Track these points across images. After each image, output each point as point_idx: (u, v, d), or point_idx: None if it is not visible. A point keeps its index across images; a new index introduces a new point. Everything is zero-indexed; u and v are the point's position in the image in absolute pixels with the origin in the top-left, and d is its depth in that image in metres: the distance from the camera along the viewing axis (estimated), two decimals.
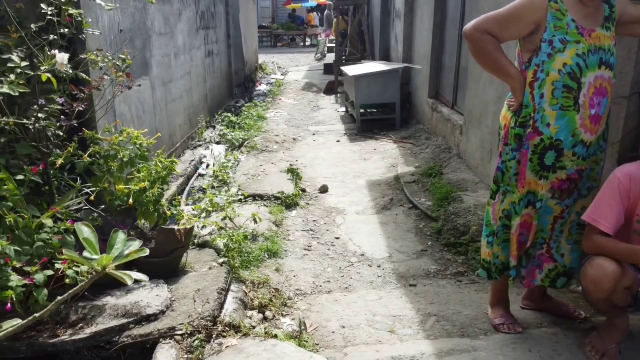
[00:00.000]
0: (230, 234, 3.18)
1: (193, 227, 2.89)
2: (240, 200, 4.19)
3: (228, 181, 5.09)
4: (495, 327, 2.36)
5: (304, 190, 4.63)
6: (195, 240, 3.25)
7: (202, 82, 7.42)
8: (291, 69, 14.75)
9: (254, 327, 2.23)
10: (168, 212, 2.80)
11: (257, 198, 4.29)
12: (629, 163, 2.00)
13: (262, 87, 11.51)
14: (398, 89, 6.66)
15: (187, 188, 5.37)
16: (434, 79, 6.07)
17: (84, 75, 3.11)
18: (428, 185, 4.45)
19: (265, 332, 2.23)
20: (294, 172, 4.76)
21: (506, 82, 2.15)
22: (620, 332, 2.05)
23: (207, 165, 6.05)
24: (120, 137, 2.94)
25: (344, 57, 10.63)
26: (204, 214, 3.83)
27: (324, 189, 4.70)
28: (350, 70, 7.17)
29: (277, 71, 14.14)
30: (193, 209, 4.06)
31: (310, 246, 3.57)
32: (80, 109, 2.87)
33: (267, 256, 3.25)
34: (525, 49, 2.08)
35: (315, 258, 3.39)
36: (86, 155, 2.74)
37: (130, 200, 2.59)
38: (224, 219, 3.50)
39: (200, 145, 6.65)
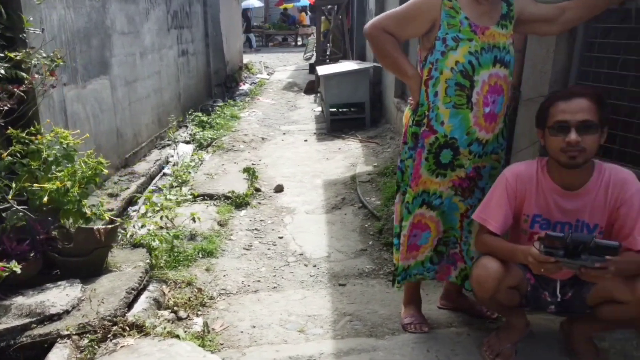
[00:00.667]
0: (160, 235, 3.17)
1: (116, 227, 2.88)
2: (189, 200, 4.18)
3: (187, 180, 5.09)
4: (404, 327, 2.34)
5: (258, 190, 4.63)
6: (131, 240, 3.24)
7: (175, 82, 7.42)
8: (278, 68, 14.75)
9: (155, 327, 2.22)
10: (89, 213, 2.78)
11: (207, 198, 4.28)
12: (519, 163, 1.98)
13: (245, 87, 11.50)
14: (368, 89, 6.64)
15: (149, 188, 5.37)
16: (400, 79, 6.05)
17: (24, 75, 3.13)
18: (381, 185, 4.43)
19: (168, 332, 2.22)
20: (250, 172, 4.75)
21: (404, 80, 2.13)
22: (517, 332, 2.03)
23: (174, 165, 6.06)
24: (48, 137, 2.94)
25: (327, 57, 10.62)
26: (150, 214, 3.82)
27: (279, 189, 4.69)
28: (322, 69, 7.16)
29: (263, 71, 14.13)
30: (145, 209, 4.05)
31: (251, 246, 3.56)
32: (7, 107, 2.88)
33: (201, 256, 3.24)
34: (423, 47, 2.07)
35: (253, 258, 3.38)
36: (6, 154, 2.73)
37: (45, 199, 2.58)
38: (162, 218, 3.49)
39: (169, 145, 6.64)
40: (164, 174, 5.83)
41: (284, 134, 6.91)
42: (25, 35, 3.40)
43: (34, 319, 2.22)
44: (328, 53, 10.85)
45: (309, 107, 8.74)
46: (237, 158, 5.74)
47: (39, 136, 2.90)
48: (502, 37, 2.01)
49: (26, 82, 3.07)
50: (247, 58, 15.98)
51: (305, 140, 6.46)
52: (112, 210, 4.26)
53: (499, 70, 2.01)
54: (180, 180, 5.02)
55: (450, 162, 2.07)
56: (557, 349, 2.07)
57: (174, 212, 3.57)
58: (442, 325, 2.38)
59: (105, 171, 3.04)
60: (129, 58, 5.63)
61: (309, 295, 2.85)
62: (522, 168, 1.89)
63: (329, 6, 10.56)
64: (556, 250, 1.56)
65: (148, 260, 2.91)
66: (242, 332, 2.41)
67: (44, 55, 3.21)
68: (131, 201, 4.94)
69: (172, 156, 6.26)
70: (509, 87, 2.07)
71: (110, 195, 4.84)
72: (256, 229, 3.84)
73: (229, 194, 4.28)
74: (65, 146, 2.91)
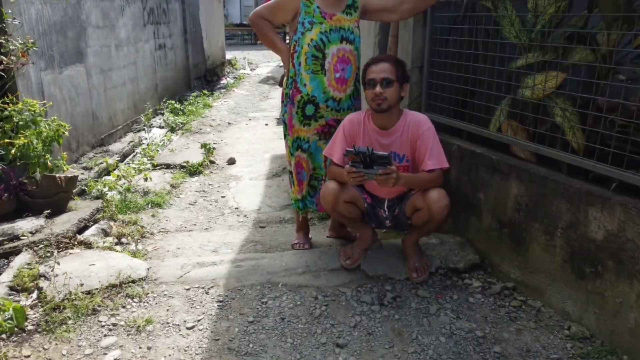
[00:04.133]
0: (115, 187, 3.86)
1: (75, 176, 3.56)
2: (149, 168, 4.87)
3: (153, 156, 5.78)
4: (292, 246, 3.05)
5: (213, 162, 5.32)
6: (92, 193, 3.93)
7: (152, 73, 8.10)
8: (262, 64, 15.46)
9: (98, 244, 2.92)
10: (49, 165, 3.47)
11: (165, 167, 4.97)
12: (354, 112, 2.70)
13: (226, 81, 12.20)
14: None
15: (129, 158, 6.06)
16: None
17: (2, 57, 3.82)
18: None
19: (108, 247, 2.91)
20: (206, 147, 5.44)
21: (278, 54, 2.84)
22: (365, 242, 2.73)
23: (146, 145, 6.74)
24: (19, 105, 3.62)
25: None
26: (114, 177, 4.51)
27: (231, 161, 5.38)
28: None
29: (246, 66, 14.83)
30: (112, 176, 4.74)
31: (195, 202, 4.25)
32: None
33: (150, 206, 3.94)
34: (291, 30, 2.77)
35: (195, 210, 4.07)
36: None
37: (13, 151, 3.27)
38: (120, 179, 4.19)
39: (144, 130, 7.34)
40: (137, 154, 6.53)
41: (250, 119, 7.61)
42: (4, 25, 4.09)
43: (6, 238, 2.91)
44: None
45: (279, 98, 9.44)
46: (201, 139, 6.42)
47: (11, 105, 3.59)
48: (347, 22, 2.71)
49: (4, 62, 3.76)
50: (233, 54, 16.69)
51: (266, 125, 7.16)
52: (85, 179, 4.97)
53: (345, 46, 2.72)
54: (147, 156, 5.71)
55: (313, 114, 2.78)
56: (395, 255, 2.77)
57: (132, 174, 4.26)
58: (322, 246, 3.08)
59: (66, 133, 3.71)
60: (104, 49, 6.32)
61: (232, 233, 3.55)
62: (355, 116, 2.59)
63: None
64: (358, 164, 2.25)
65: (101, 205, 3.60)
66: (168, 251, 3.11)
67: (20, 42, 3.91)
68: (103, 173, 5.66)
69: (146, 138, 6.96)
70: (355, 59, 2.78)
71: (85, 168, 5.53)
72: (203, 191, 4.54)
73: (184, 164, 4.97)
74: (32, 113, 3.60)
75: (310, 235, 3.19)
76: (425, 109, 3.22)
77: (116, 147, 6.40)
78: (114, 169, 4.38)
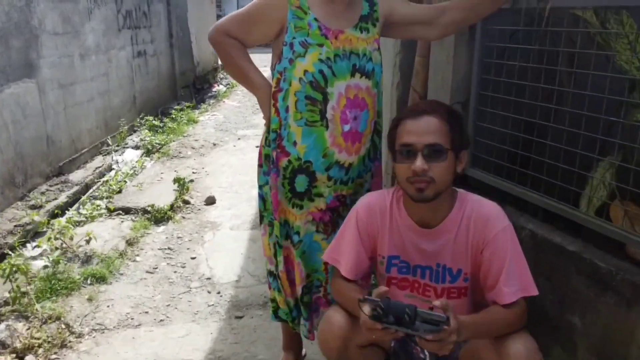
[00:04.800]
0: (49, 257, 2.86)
1: None
2: (104, 214, 3.87)
3: (121, 190, 4.78)
4: None
5: (187, 202, 4.31)
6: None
7: (128, 84, 7.10)
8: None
9: None
10: None
11: (124, 212, 3.96)
12: (373, 193, 1.67)
13: (219, 88, 11.19)
14: None
15: (84, 198, 5.06)
16: None
17: None
18: None
19: None
20: (180, 183, 4.43)
21: (253, 93, 1.82)
22: None
23: (116, 172, 5.74)
24: None
25: None
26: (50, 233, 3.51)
27: (210, 201, 4.37)
28: None
29: None
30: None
31: (156, 268, 3.24)
32: None
33: (89, 282, 2.93)
34: (274, 54, 1.76)
35: (153, 283, 3.06)
36: None
37: None
38: (55, 239, 3.18)
39: (116, 151, 6.34)
40: (104, 182, 5.53)
41: (239, 139, 6.60)
42: None
43: None
44: None
45: None
46: (179, 166, 5.42)
47: None
48: (362, 42, 1.69)
49: None
50: None
51: (257, 147, 6.12)
52: (29, 224, 3.97)
53: (359, 81, 1.70)
54: (110, 192, 4.71)
55: (307, 189, 1.75)
56: None
57: (71, 231, 3.25)
58: None
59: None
60: (65, 60, 5.31)
61: (195, 331, 2.54)
62: (376, 199, 1.57)
63: None
64: (386, 317, 1.24)
65: (24, 289, 2.59)
66: None
67: None
68: (58, 213, 4.66)
69: (117, 162, 5.95)
70: (374, 101, 1.76)
71: (33, 207, 4.53)
72: (169, 248, 3.53)
73: (149, 208, 3.96)
74: None
75: (304, 351, 2.18)
76: (469, 164, 2.21)
77: (78, 175, 5.39)
78: (47, 225, 3.37)
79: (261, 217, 1.92)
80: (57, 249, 3.18)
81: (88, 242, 3.17)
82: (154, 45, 8.21)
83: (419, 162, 1.35)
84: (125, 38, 6.99)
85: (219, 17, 21.00)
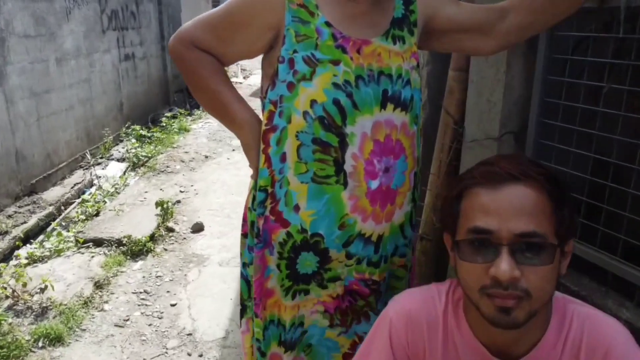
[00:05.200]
0: None
1: None
2: (71, 248, 3.33)
3: (99, 212, 4.25)
4: None
5: (171, 230, 3.77)
6: None
7: (114, 90, 6.56)
8: (256, 71, 13.89)
9: None
10: None
11: (95, 244, 3.42)
12: (414, 290, 1.11)
13: None
14: None
15: (59, 220, 4.52)
16: None
17: None
18: None
19: None
20: (163, 207, 3.89)
21: (233, 131, 1.27)
22: None
23: (97, 189, 5.20)
24: None
25: None
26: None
27: (198, 228, 3.83)
28: None
29: (239, 74, 13.27)
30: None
31: (127, 320, 2.70)
32: None
33: (40, 344, 2.39)
34: (265, 76, 1.20)
35: (121, 342, 2.52)
36: None
37: None
38: (6, 288, 2.64)
39: (99, 164, 5.80)
40: (82, 202, 4.98)
41: (233, 150, 6.05)
42: None
43: None
44: None
45: None
46: (166, 183, 4.88)
47: None
48: (396, 58, 1.14)
49: None
50: None
51: None
52: None
53: (393, 115, 1.14)
54: (87, 213, 4.18)
55: (315, 272, 1.20)
56: None
57: (25, 276, 2.71)
58: None
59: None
60: (38, 65, 4.77)
61: None
62: (418, 304, 1.01)
63: None
64: None
65: None
66: None
67: None
68: (28, 238, 4.13)
69: (99, 177, 5.41)
70: (413, 143, 1.20)
71: None
72: (145, 292, 2.98)
73: (125, 240, 3.41)
74: None
75: None
76: None
77: (53, 194, 4.85)
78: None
79: (243, 308, 1.34)
80: (7, 297, 2.64)
81: (43, 290, 2.63)
82: (144, 48, 7.66)
83: (505, 265, 0.80)
84: (110, 40, 6.45)
85: None
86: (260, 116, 1.20)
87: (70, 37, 5.38)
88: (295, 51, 1.09)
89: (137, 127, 6.30)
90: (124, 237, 3.41)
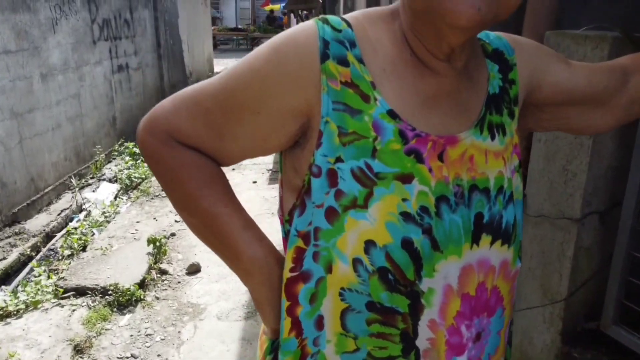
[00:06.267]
0: None
1: None
2: (50, 300, 2.93)
3: (86, 245, 3.87)
4: None
5: (164, 272, 3.37)
6: None
7: (106, 104, 6.17)
8: None
9: None
10: None
11: (77, 294, 3.02)
12: None
13: None
14: None
15: (41, 253, 4.13)
16: None
17: None
18: None
19: None
20: (155, 244, 3.49)
21: (238, 276, 0.83)
22: None
23: (88, 214, 4.82)
24: None
25: None
26: None
27: (194, 269, 3.44)
28: None
29: None
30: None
31: None
32: None
33: None
34: (287, 183, 0.78)
35: None
36: None
37: None
38: None
39: (89, 185, 5.41)
40: (69, 233, 4.59)
41: (233, 169, 5.64)
42: None
43: None
44: None
45: None
46: (160, 210, 4.48)
47: None
48: (495, 161, 0.72)
49: None
50: (225, 64, 14.75)
51: (254, 182, 5.19)
52: None
53: (490, 252, 0.72)
54: (73, 249, 3.79)
55: None
56: None
57: None
58: None
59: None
60: (20, 83, 4.38)
61: None
62: None
63: (304, 12, 9.33)
64: None
65: None
66: None
67: None
68: (8, 276, 3.75)
69: (89, 201, 5.02)
70: (513, 286, 0.78)
71: None
72: (133, 356, 2.59)
73: (111, 288, 3.01)
74: None
75: None
76: (611, 321, 1.27)
77: (38, 222, 4.47)
78: None
79: None
80: None
81: None
82: (139, 57, 7.27)
83: None
84: (102, 51, 6.05)
85: (215, 20, 19.95)
86: (280, 252, 0.80)
87: (56, 50, 4.99)
88: (339, 159, 0.67)
89: (131, 145, 5.90)
90: (111, 285, 3.01)
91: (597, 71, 0.85)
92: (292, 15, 21.99)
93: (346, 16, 0.73)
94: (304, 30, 0.70)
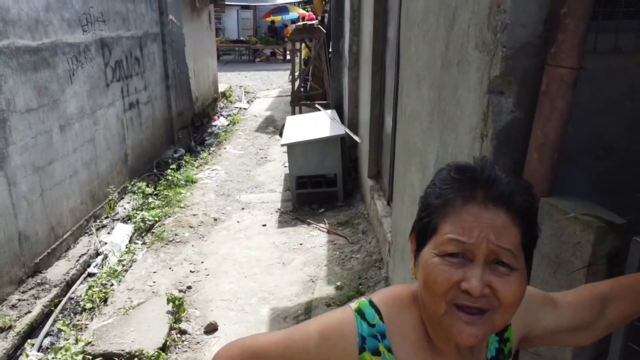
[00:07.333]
0: None
1: None
2: None
3: (107, 297, 4.08)
4: None
5: (183, 333, 3.58)
6: None
7: (119, 143, 6.37)
8: (260, 93, 13.70)
9: None
10: None
11: (105, 359, 3.23)
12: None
13: (220, 122, 10.46)
14: (339, 159, 5.59)
15: (63, 303, 4.34)
16: (374, 155, 5.00)
17: None
18: None
19: None
20: (175, 303, 3.70)
21: None
22: None
23: (105, 258, 5.02)
24: None
25: (306, 92, 9.57)
26: None
27: (211, 329, 3.64)
28: (287, 131, 6.11)
29: (243, 98, 13.08)
30: None
31: None
32: None
33: None
34: None
35: None
36: None
37: None
38: None
39: (105, 226, 5.61)
40: (89, 275, 4.80)
41: (243, 209, 5.86)
42: None
43: None
44: (308, 89, 9.81)
45: (280, 159, 7.68)
46: (175, 258, 4.69)
47: None
48: None
49: None
50: (228, 78, 14.93)
51: (264, 225, 5.39)
52: None
53: None
54: (92, 304, 4.00)
55: None
56: None
57: None
58: None
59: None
60: (41, 138, 4.58)
61: None
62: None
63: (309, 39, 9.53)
64: None
65: None
66: None
67: None
68: (33, 330, 3.96)
69: (105, 244, 5.22)
70: None
71: (0, 330, 3.83)
72: None
73: (137, 354, 3.22)
74: None
75: None
76: None
77: (58, 271, 4.67)
78: None
79: None
80: None
81: None
82: (148, 92, 7.47)
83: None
84: (114, 92, 6.26)
85: (217, 31, 20.11)
86: None
87: (73, 100, 5.19)
88: None
89: (143, 185, 6.11)
90: (136, 351, 3.21)
91: (579, 306, 1.05)
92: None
93: (377, 301, 0.93)
94: (347, 323, 0.90)
